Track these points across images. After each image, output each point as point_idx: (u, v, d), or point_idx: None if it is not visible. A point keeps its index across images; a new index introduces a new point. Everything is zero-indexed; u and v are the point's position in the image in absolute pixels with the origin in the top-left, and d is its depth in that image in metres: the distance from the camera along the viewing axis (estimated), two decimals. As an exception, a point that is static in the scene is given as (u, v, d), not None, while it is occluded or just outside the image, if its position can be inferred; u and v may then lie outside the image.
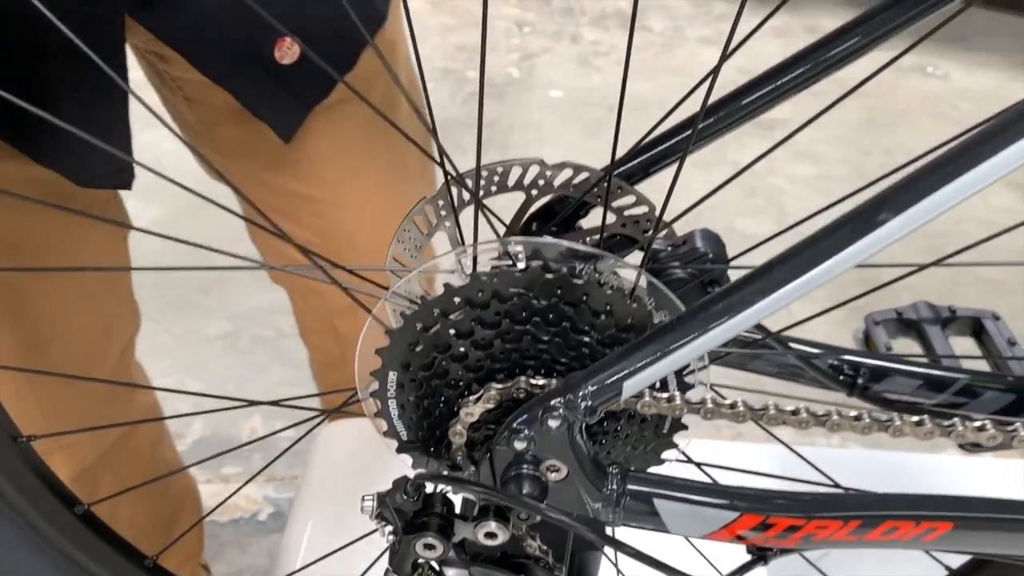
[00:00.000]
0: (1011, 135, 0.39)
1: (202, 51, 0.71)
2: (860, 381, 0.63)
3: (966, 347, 0.78)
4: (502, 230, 0.59)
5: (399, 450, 0.56)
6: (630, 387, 0.44)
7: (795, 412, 0.48)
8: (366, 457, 0.90)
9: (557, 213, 0.61)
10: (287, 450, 0.65)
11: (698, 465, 0.59)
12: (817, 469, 0.64)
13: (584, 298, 0.49)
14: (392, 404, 0.53)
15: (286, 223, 0.88)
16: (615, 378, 0.43)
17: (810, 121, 0.51)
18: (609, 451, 0.53)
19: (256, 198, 0.88)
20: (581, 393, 0.44)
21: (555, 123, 2.70)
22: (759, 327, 0.59)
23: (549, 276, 0.48)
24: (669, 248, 0.59)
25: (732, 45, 0.46)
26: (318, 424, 0.67)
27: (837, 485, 0.65)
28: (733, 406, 0.49)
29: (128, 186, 0.77)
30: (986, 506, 0.51)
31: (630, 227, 0.59)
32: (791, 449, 0.57)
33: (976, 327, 0.79)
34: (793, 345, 0.62)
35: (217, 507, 0.92)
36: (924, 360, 0.65)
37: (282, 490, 1.58)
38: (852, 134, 2.52)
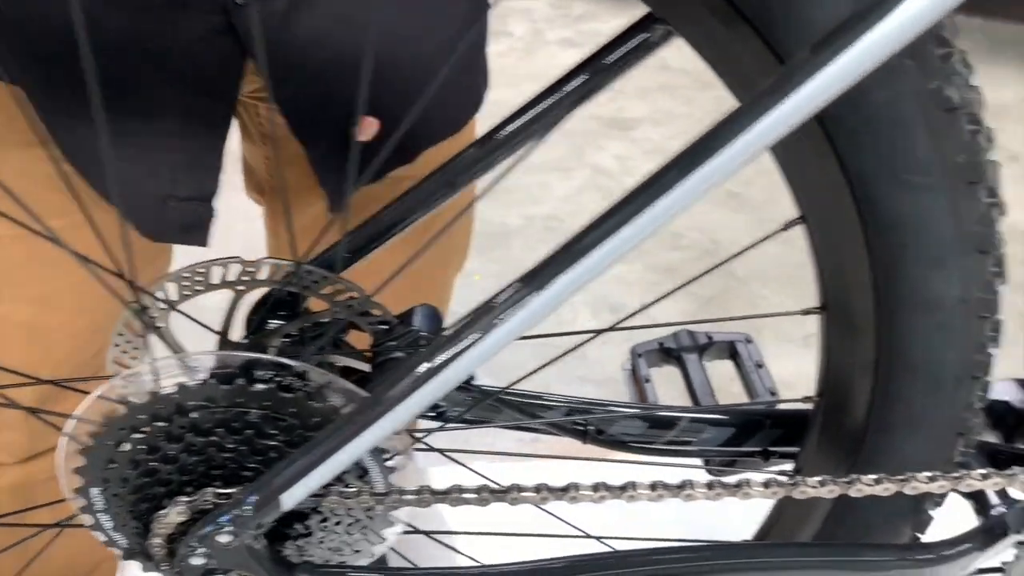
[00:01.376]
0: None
1: (299, 111, 0.72)
2: (591, 428, 0.66)
3: (724, 370, 0.83)
4: (206, 334, 0.60)
5: (124, 558, 0.56)
6: (289, 498, 0.45)
7: (478, 491, 0.51)
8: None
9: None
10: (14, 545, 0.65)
11: (427, 534, 0.62)
12: (565, 522, 0.67)
13: (268, 404, 0.50)
14: (104, 517, 0.54)
15: None
16: (270, 492, 0.45)
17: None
18: (322, 540, 0.54)
19: (280, 239, 0.89)
20: (244, 508, 0.45)
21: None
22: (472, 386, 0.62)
23: (227, 387, 0.49)
24: (386, 328, 0.61)
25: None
26: (53, 537, 0.67)
27: (589, 536, 0.68)
28: (419, 492, 0.51)
29: (204, 243, 0.74)
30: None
31: (344, 311, 0.60)
32: (539, 506, 0.60)
33: (732, 351, 0.83)
34: (515, 400, 0.64)
35: None
36: (646, 405, 0.69)
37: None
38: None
